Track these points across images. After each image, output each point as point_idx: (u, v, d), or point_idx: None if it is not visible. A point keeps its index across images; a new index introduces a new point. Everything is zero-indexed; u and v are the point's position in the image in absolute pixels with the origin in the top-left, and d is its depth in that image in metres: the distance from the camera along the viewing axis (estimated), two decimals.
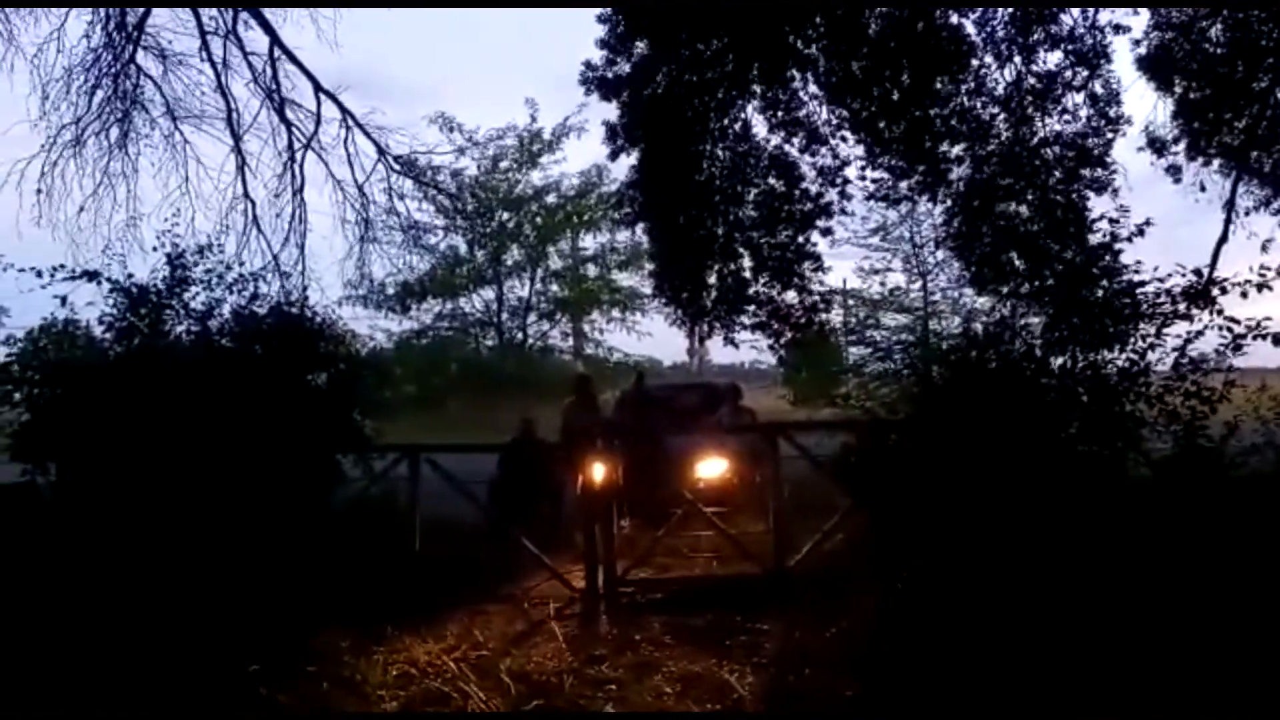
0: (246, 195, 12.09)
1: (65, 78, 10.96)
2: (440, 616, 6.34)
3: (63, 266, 6.95)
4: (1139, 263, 6.71)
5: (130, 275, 7.04)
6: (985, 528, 6.17)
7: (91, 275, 7.01)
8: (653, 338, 28.93)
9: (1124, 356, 6.81)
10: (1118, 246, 7.69)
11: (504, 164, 28.04)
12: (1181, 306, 6.66)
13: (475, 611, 6.53)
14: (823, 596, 6.28)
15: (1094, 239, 8.40)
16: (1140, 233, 7.24)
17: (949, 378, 7.09)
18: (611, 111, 12.02)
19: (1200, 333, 6.61)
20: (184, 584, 5.59)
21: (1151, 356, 6.68)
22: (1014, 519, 6.14)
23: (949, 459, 6.44)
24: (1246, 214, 13.67)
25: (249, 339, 7.28)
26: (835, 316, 16.41)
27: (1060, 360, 7.08)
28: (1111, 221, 7.36)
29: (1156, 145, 14.23)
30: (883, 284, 24.80)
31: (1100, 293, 7.32)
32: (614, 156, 11.88)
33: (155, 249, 7.21)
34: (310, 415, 7.06)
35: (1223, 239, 13.27)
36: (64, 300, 6.98)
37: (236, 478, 6.36)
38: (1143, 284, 6.80)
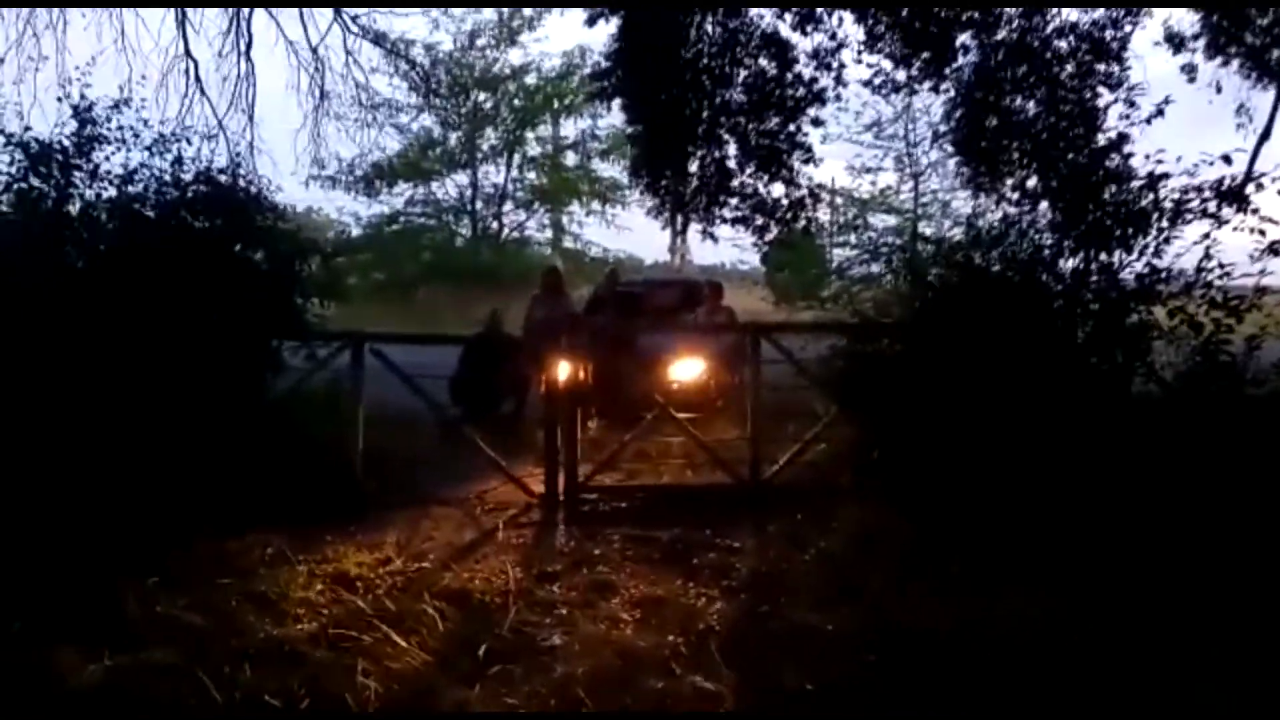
0: (188, 54, 10.98)
1: None
2: (382, 521, 5.79)
3: None
4: (1161, 152, 6.00)
5: (28, 128, 6.17)
6: (982, 443, 5.65)
7: None
8: (633, 233, 28.07)
9: (1143, 260, 6.20)
10: (1131, 138, 6.99)
11: (481, 40, 26.53)
12: (1211, 205, 6.02)
13: (421, 516, 5.98)
14: (801, 512, 5.78)
15: (1107, 133, 7.64)
16: (1160, 113, 6.50)
17: (950, 280, 6.46)
18: None
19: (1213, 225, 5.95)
20: (81, 482, 4.95)
21: (1173, 261, 6.08)
22: (1013, 434, 5.63)
23: (947, 367, 5.86)
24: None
25: (172, 207, 6.48)
26: (822, 214, 15.67)
27: (1071, 264, 6.47)
28: (1128, 104, 6.61)
29: (1175, 41, 13.43)
30: (873, 183, 23.98)
31: (1114, 189, 6.64)
32: (591, 22, 10.78)
33: (60, 99, 6.34)
34: (242, 295, 6.33)
35: (1265, 135, 12.44)
36: None
37: (152, 361, 5.67)
38: (1165, 177, 6.13)
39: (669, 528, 5.64)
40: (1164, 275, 6.01)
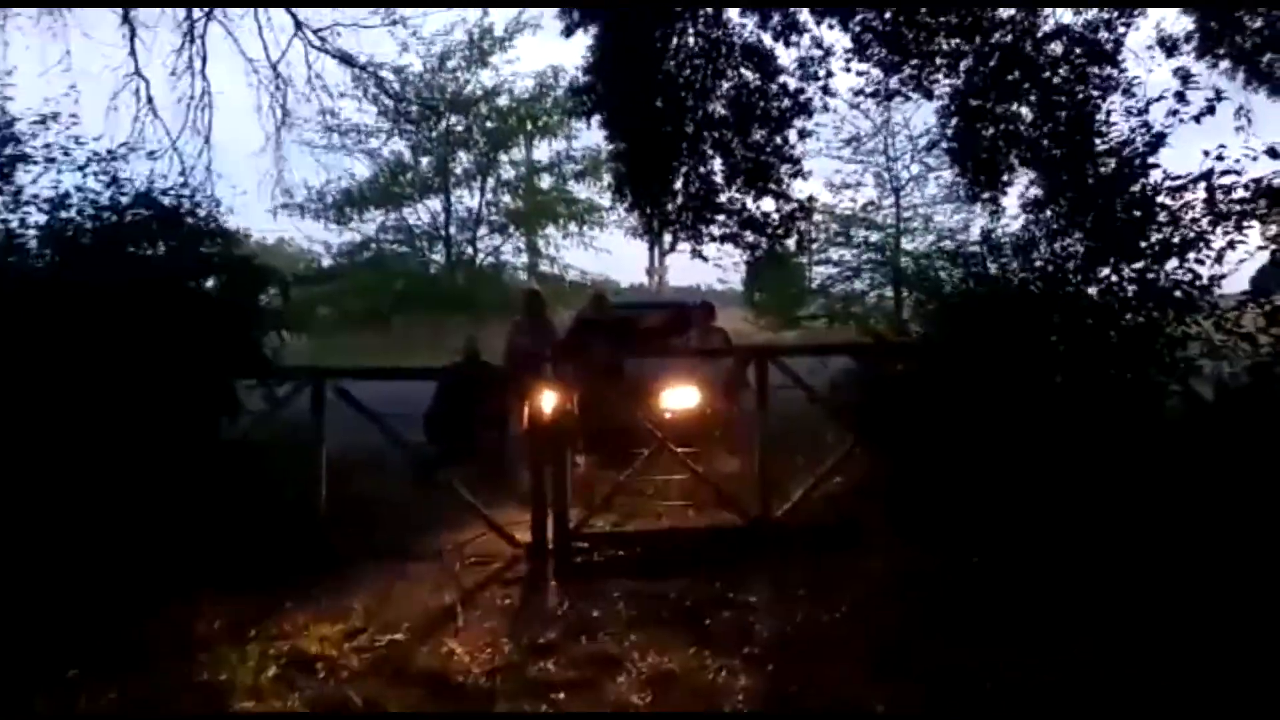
0: (138, 73, 10.30)
1: None
2: (349, 581, 5.10)
3: None
4: (1222, 147, 5.48)
5: None
6: (1022, 475, 5.08)
7: None
8: (611, 255, 27.38)
9: (1183, 268, 5.67)
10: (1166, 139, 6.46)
11: (451, 62, 25.93)
12: (1262, 204, 5.52)
13: (393, 574, 5.29)
14: (822, 558, 5.16)
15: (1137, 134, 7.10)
16: (1210, 110, 6.01)
17: (975, 295, 5.91)
18: None
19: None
20: None
21: (1219, 269, 5.57)
22: (1057, 464, 5.06)
23: (977, 390, 5.29)
24: None
25: (111, 234, 5.81)
26: (808, 229, 15.14)
27: (1104, 273, 5.93)
28: (1179, 98, 6.08)
29: (1167, 44, 13.09)
30: (853, 200, 23.54)
31: (1150, 190, 6.11)
32: (569, 33, 10.22)
33: None
34: (191, 329, 5.65)
35: None
36: None
37: (87, 405, 4.99)
38: (1208, 175, 5.61)
39: (674, 580, 5.00)
40: (1208, 283, 5.52)
